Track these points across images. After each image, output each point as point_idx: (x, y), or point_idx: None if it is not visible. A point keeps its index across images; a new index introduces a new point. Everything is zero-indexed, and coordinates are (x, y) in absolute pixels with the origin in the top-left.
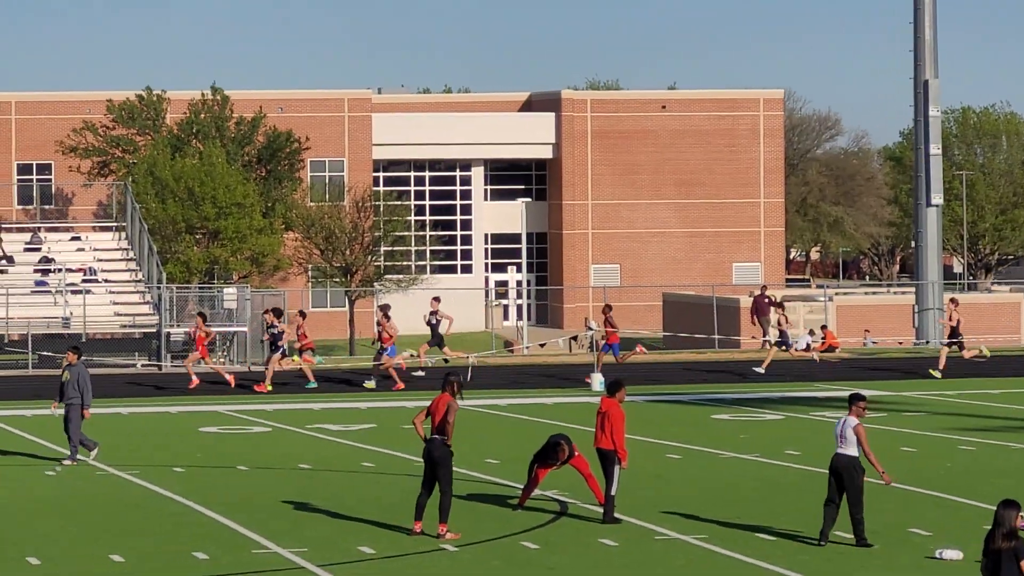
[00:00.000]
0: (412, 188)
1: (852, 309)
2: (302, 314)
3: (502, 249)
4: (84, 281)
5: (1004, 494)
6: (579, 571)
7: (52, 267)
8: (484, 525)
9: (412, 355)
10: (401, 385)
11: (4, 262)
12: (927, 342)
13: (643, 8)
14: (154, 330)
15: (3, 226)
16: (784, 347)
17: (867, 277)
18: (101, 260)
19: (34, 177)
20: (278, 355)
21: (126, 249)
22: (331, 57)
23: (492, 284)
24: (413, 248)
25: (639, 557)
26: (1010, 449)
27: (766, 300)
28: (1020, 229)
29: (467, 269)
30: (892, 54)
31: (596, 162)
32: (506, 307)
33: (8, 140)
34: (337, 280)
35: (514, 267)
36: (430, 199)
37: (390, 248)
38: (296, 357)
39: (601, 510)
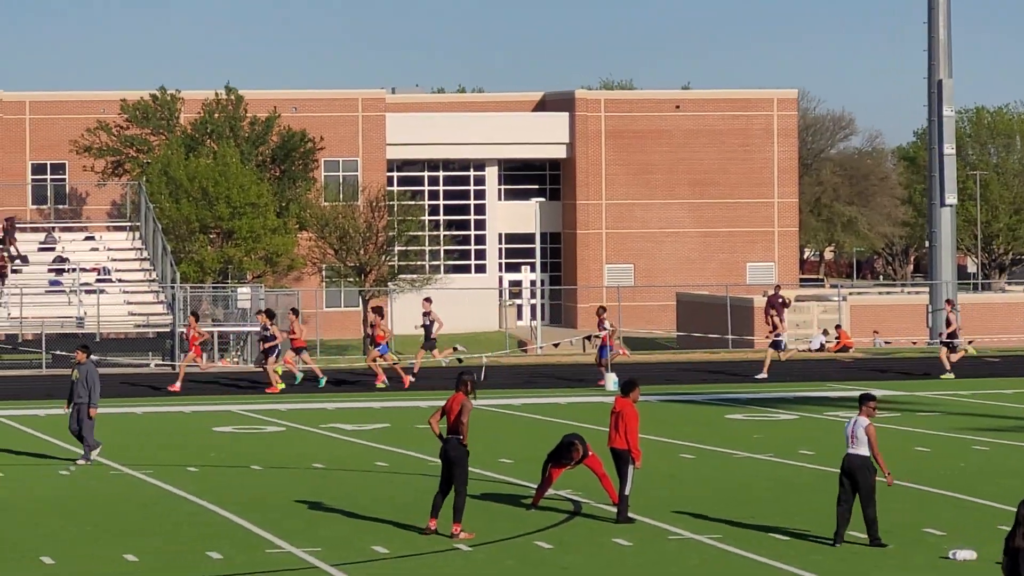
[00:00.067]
0: (426, 188)
1: (866, 309)
2: (295, 312)
3: (516, 249)
4: (98, 281)
5: (1018, 494)
6: (593, 571)
7: (66, 267)
8: (498, 525)
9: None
10: (383, 378)
11: (18, 262)
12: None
13: (657, 8)
14: (168, 330)
15: (17, 226)
16: (777, 349)
17: (881, 277)
18: (115, 260)
19: (48, 177)
20: (272, 357)
21: (140, 249)
22: (345, 57)
23: (506, 284)
24: (427, 248)
25: (653, 557)
26: None
27: (779, 300)
28: None
29: (481, 269)
30: (906, 54)
31: (610, 162)
32: (520, 307)
33: (22, 140)
34: (351, 280)
35: (528, 267)
36: (444, 199)
37: (404, 248)
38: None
39: (615, 510)
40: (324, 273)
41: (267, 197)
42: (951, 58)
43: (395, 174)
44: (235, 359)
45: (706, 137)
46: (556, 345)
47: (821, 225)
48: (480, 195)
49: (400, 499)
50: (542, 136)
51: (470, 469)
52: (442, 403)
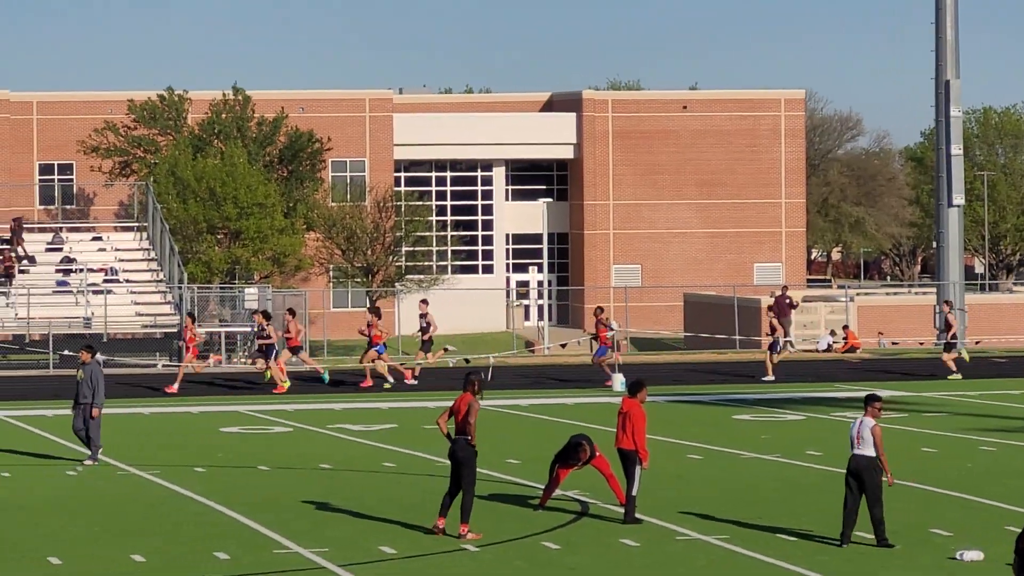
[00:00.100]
0: (433, 188)
1: (873, 310)
2: (291, 312)
3: (523, 249)
4: (105, 281)
5: None
6: (600, 571)
7: (73, 267)
8: (505, 525)
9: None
10: (370, 383)
11: (26, 262)
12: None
13: (664, 8)
14: (175, 330)
15: (25, 226)
16: (772, 351)
17: (888, 277)
18: (122, 260)
19: (55, 177)
20: (270, 358)
21: (147, 249)
22: (352, 57)
23: (513, 284)
24: (434, 248)
25: (660, 557)
26: None
27: (786, 301)
28: None
29: (488, 269)
30: (914, 54)
31: (617, 162)
32: (527, 307)
33: (30, 140)
34: (358, 280)
35: (535, 267)
36: (451, 199)
37: (411, 248)
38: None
39: (622, 510)
40: (331, 273)
41: (274, 197)
42: (958, 58)
43: (402, 174)
44: (243, 359)
45: (713, 137)
46: (563, 346)
47: (828, 226)
48: (487, 195)
49: (407, 499)
50: (549, 136)
51: (477, 470)
52: (449, 403)
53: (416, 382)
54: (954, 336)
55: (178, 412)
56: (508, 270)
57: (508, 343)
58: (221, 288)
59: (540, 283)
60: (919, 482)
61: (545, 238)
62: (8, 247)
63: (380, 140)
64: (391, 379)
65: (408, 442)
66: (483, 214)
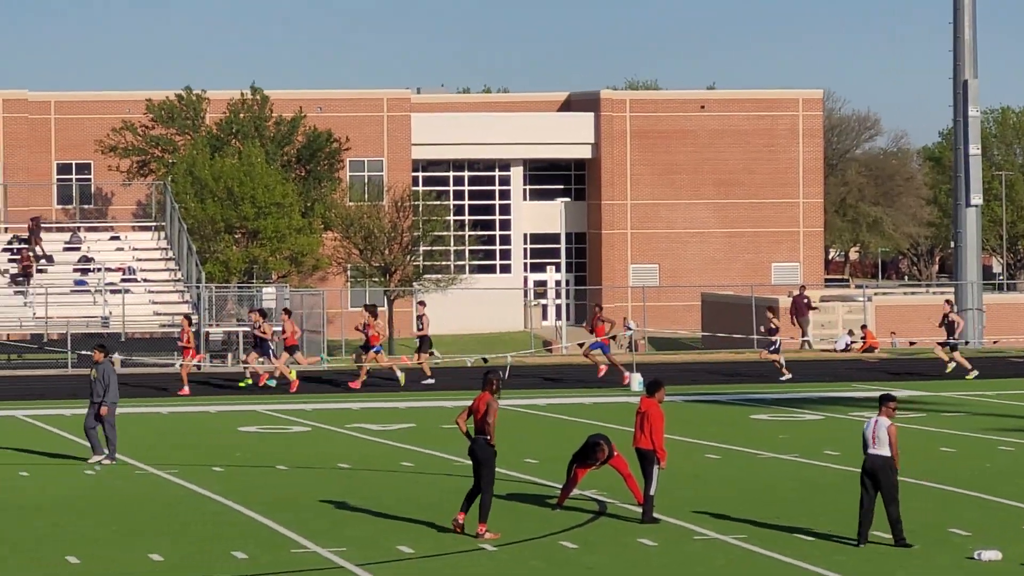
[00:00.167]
0: (451, 188)
1: (891, 309)
2: (287, 312)
3: (541, 249)
4: (123, 281)
5: None
6: (618, 571)
7: (91, 266)
8: (523, 525)
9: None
10: (359, 384)
11: (43, 261)
12: (967, 342)
13: (682, 8)
14: (193, 330)
15: (43, 225)
16: (773, 349)
17: (906, 277)
18: (140, 260)
19: (73, 177)
20: (261, 357)
21: (165, 249)
22: (370, 57)
23: (531, 284)
24: (452, 248)
25: (678, 557)
26: None
27: (804, 301)
28: None
29: (506, 269)
30: (932, 54)
31: (635, 162)
32: (545, 307)
33: (48, 140)
34: (376, 280)
35: (553, 267)
36: (469, 199)
37: (429, 248)
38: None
39: (640, 510)
40: (349, 273)
41: (292, 197)
42: (976, 58)
43: (420, 174)
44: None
45: (731, 137)
46: (581, 345)
47: (846, 225)
48: (505, 195)
49: (425, 499)
50: (567, 136)
51: (495, 469)
52: (467, 403)
53: (434, 380)
54: (949, 334)
55: (196, 412)
56: (526, 270)
57: (526, 343)
58: (239, 288)
59: (558, 283)
60: (937, 482)
61: (563, 238)
62: (26, 246)
63: (398, 140)
64: (399, 373)
65: (426, 441)
66: (501, 214)
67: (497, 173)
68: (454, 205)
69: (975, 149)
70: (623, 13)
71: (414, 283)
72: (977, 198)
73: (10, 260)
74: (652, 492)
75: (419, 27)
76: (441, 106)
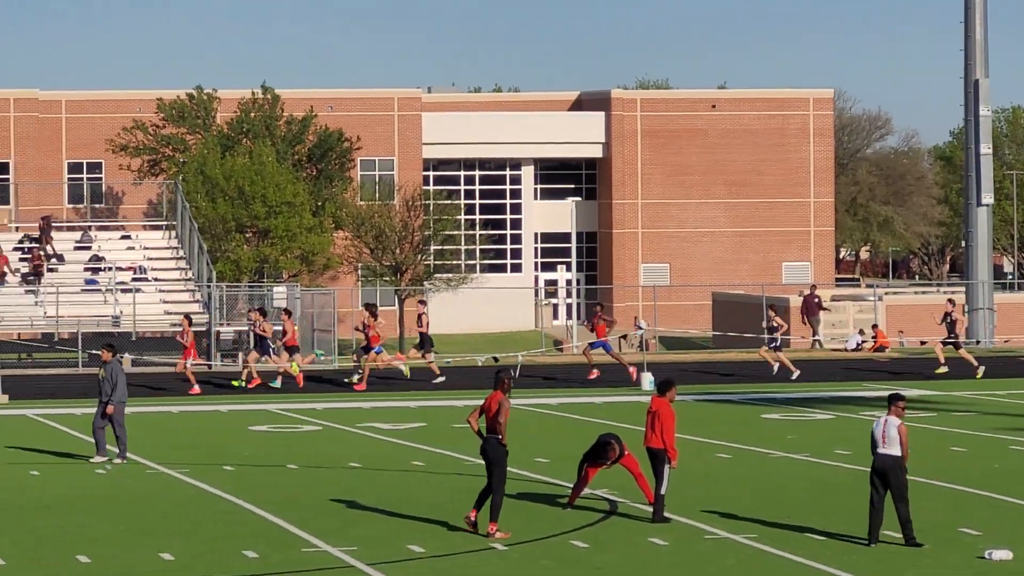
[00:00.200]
0: (462, 187)
1: (902, 309)
2: (287, 312)
3: (552, 248)
4: (134, 280)
5: None
6: (629, 570)
7: (102, 266)
8: (534, 524)
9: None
10: (363, 386)
11: (54, 260)
12: (977, 342)
13: (693, 7)
14: (204, 329)
15: (53, 224)
16: (775, 348)
17: (917, 277)
18: (151, 259)
19: (84, 176)
20: (262, 355)
21: (176, 248)
22: (381, 56)
23: (542, 283)
24: (463, 247)
25: (689, 556)
26: None
27: (815, 300)
28: None
29: (517, 268)
30: (943, 53)
31: (646, 161)
32: (556, 306)
33: (58, 139)
34: (387, 279)
35: (564, 266)
36: (480, 198)
37: (440, 247)
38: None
39: (651, 509)
40: (360, 272)
41: (303, 196)
42: (988, 57)
43: (431, 173)
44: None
45: (742, 137)
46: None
47: (857, 225)
48: (516, 194)
49: (436, 498)
50: (578, 135)
51: (507, 468)
52: (478, 402)
53: (444, 378)
54: (950, 333)
55: (207, 411)
56: (536, 269)
57: (537, 342)
58: (250, 287)
59: (568, 282)
60: (948, 481)
61: (573, 237)
62: (37, 245)
63: (409, 139)
64: (403, 367)
65: (437, 441)
66: (511, 213)
67: (508, 172)
68: (465, 204)
69: (986, 148)
70: (634, 12)
71: (425, 282)
72: (988, 197)
73: (21, 259)
74: (663, 491)
75: (430, 27)
76: (452, 105)
